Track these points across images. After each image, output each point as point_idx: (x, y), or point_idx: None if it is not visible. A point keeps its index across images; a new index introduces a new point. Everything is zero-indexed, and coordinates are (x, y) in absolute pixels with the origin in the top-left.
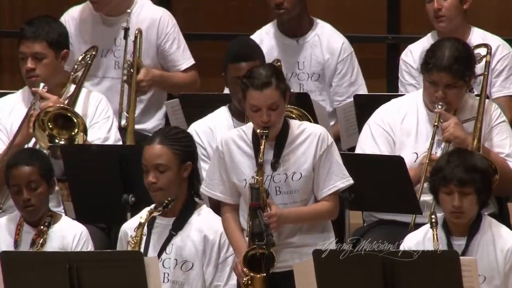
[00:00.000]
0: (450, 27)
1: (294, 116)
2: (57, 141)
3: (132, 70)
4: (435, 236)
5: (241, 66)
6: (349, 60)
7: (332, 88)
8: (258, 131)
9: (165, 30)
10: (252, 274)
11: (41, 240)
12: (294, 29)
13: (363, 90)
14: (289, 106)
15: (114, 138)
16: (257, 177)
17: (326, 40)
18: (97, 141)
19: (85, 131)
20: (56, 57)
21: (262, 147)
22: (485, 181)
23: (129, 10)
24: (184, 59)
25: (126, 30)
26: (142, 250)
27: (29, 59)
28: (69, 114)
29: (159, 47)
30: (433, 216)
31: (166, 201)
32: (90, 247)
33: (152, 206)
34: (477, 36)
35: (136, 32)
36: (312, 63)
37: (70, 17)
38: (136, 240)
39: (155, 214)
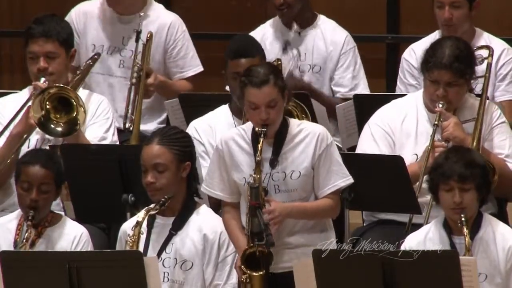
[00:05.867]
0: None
1: (289, 107)
2: (52, 126)
3: (141, 74)
4: (466, 234)
5: (241, 63)
6: (352, 53)
7: (335, 80)
8: (257, 129)
9: (174, 36)
10: (250, 272)
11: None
12: (297, 23)
13: (364, 85)
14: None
15: (110, 139)
16: (255, 175)
17: (330, 33)
18: (94, 140)
19: (82, 119)
20: (66, 56)
21: (260, 145)
22: (484, 176)
23: (141, 13)
24: (190, 66)
25: (138, 33)
26: (141, 249)
27: (42, 58)
28: (70, 96)
29: (166, 52)
30: (462, 215)
31: (163, 199)
32: (90, 249)
33: (152, 206)
34: (482, 39)
35: (148, 35)
36: (314, 55)
37: (80, 12)
38: (134, 239)
39: (152, 212)
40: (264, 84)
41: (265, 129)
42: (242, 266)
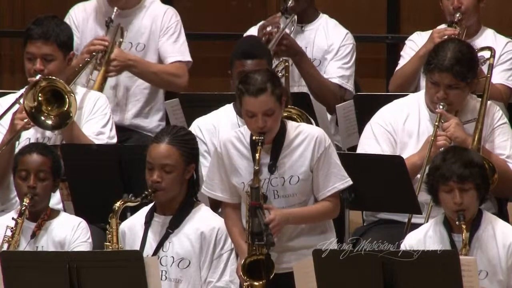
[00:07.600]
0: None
1: (293, 115)
2: (42, 118)
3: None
4: (463, 229)
5: (247, 63)
6: (350, 47)
7: (326, 67)
8: (254, 137)
9: (167, 23)
10: (251, 281)
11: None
12: (300, 18)
13: (351, 83)
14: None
15: (108, 134)
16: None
17: (331, 29)
18: (91, 135)
19: (74, 112)
20: (64, 59)
21: (258, 154)
22: (483, 176)
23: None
24: (178, 53)
25: (111, 20)
26: (137, 247)
27: (38, 60)
28: (59, 87)
29: (159, 40)
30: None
31: (146, 192)
32: (88, 236)
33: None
34: (486, 36)
35: (118, 25)
36: (315, 48)
37: (80, 10)
38: (111, 230)
39: (130, 204)
40: (261, 92)
41: (262, 137)
42: (244, 276)
